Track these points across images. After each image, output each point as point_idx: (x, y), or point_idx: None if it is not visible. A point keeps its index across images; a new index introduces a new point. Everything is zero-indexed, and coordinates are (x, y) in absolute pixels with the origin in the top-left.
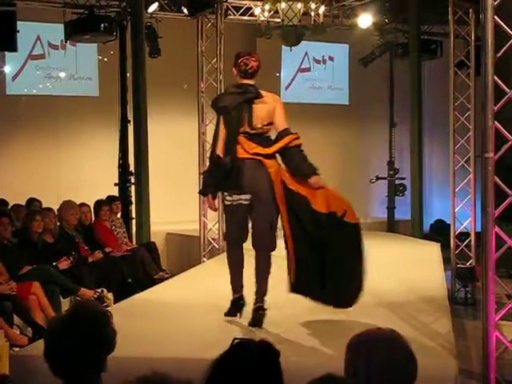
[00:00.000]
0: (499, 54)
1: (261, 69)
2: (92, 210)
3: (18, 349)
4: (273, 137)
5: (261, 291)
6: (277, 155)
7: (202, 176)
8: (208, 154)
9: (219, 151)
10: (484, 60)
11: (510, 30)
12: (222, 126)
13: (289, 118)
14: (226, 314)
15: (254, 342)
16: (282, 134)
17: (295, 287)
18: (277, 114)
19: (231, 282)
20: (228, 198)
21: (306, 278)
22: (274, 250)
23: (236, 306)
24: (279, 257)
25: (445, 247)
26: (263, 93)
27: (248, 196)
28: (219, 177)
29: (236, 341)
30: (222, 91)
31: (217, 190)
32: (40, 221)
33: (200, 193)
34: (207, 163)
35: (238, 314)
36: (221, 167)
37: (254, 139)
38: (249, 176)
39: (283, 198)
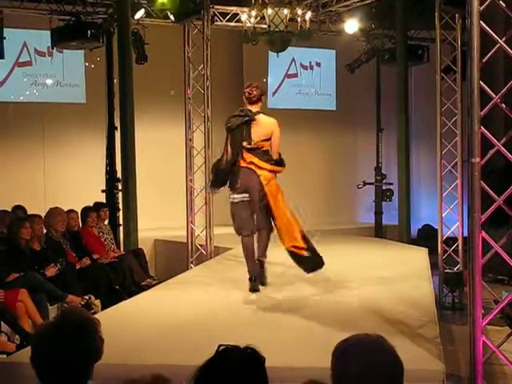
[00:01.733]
0: (485, 60)
1: (248, 74)
2: (79, 216)
3: (5, 356)
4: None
5: (262, 253)
6: None
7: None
8: (194, 160)
9: (225, 160)
10: (470, 65)
11: (495, 35)
12: (228, 142)
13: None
14: (251, 290)
15: (239, 348)
16: (276, 163)
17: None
18: (273, 140)
19: (249, 265)
20: (231, 196)
21: None
22: (271, 230)
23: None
24: None
25: (432, 252)
26: (264, 116)
27: (246, 195)
28: (220, 177)
29: (221, 347)
30: (209, 97)
31: (222, 184)
32: (28, 228)
33: (210, 186)
34: (194, 169)
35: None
36: (219, 170)
37: (251, 152)
38: (243, 179)
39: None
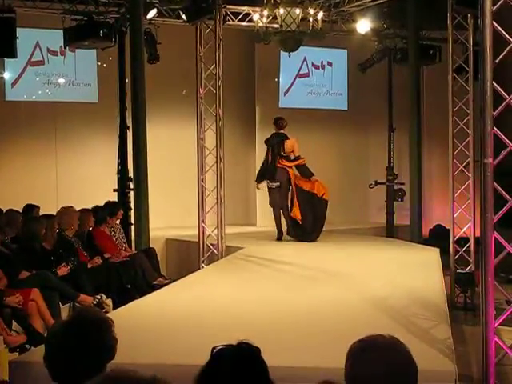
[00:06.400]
0: (498, 60)
1: (260, 74)
2: (92, 215)
3: (17, 354)
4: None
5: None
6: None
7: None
8: (206, 160)
9: (267, 162)
10: (483, 66)
11: (508, 36)
12: (269, 152)
13: (288, 124)
14: (278, 239)
15: (232, 345)
16: (297, 158)
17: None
18: (295, 148)
19: (276, 226)
20: (269, 184)
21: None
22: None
23: (280, 236)
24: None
25: (444, 252)
26: (288, 136)
27: (278, 183)
28: (264, 173)
29: (215, 350)
30: (221, 96)
31: (263, 179)
32: (44, 227)
33: (255, 180)
34: (206, 168)
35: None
36: (265, 168)
37: (283, 158)
38: (278, 174)
39: (296, 187)
